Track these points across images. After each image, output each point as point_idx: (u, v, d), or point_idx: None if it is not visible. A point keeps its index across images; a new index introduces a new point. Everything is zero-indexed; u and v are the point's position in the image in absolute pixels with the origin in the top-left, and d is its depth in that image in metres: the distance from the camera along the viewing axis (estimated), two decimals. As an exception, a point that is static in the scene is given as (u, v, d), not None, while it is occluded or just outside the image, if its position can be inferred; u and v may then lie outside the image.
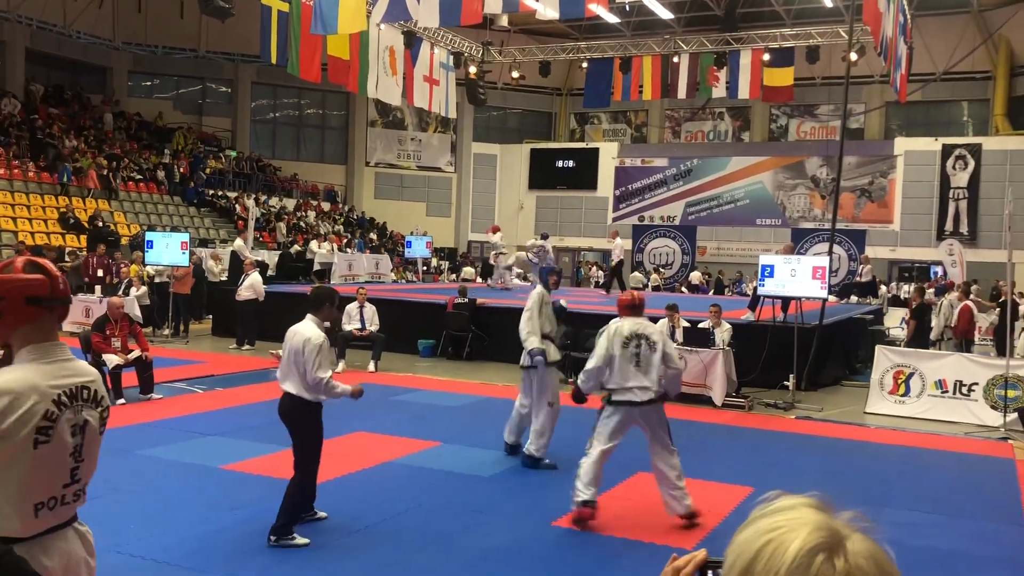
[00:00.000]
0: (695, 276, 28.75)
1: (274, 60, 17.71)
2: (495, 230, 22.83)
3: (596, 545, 6.15)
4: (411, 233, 28.42)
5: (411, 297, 18.06)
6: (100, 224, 22.30)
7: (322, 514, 6.33)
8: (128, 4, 30.75)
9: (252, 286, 16.02)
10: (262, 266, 18.50)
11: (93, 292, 16.89)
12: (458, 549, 5.95)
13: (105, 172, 25.10)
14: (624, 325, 6.63)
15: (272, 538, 5.81)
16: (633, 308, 6.80)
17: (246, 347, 15.70)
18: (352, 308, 14.34)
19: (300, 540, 5.85)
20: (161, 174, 27.57)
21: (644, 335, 6.58)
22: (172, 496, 6.91)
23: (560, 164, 35.60)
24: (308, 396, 5.94)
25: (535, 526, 6.50)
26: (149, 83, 32.89)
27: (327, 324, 6.25)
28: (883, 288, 23.88)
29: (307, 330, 6.01)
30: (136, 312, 15.31)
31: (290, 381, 5.99)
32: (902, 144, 31.05)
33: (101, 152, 26.35)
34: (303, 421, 6.01)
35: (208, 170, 29.31)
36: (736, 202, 33.32)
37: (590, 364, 6.63)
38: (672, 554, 1.16)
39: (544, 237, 21.11)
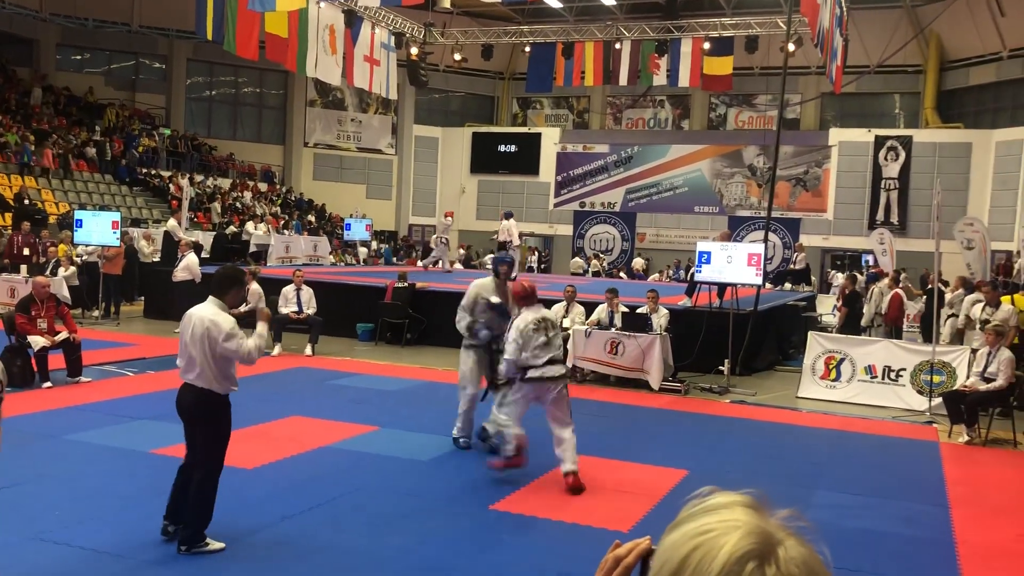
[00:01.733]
0: (637, 263, 29.03)
1: (210, 36, 17.29)
2: (450, 215, 22.71)
3: (534, 529, 6.17)
4: (351, 215, 28.11)
5: (350, 280, 17.87)
6: (26, 202, 21.58)
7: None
8: (57, -26, 29.71)
9: (188, 267, 15.66)
10: (197, 247, 18.10)
11: (19, 272, 16.33)
12: (396, 533, 5.91)
13: (42, 149, 24.27)
14: (527, 316, 7.17)
15: (183, 548, 5.29)
16: (527, 298, 7.34)
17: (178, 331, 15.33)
18: (289, 291, 14.13)
19: (215, 545, 5.37)
20: (91, 151, 26.76)
21: (547, 319, 7.27)
22: (100, 482, 6.73)
23: (502, 148, 35.54)
24: (218, 389, 5.46)
25: (474, 510, 6.50)
26: (79, 57, 31.83)
27: (242, 309, 5.83)
28: (813, 279, 24.39)
29: (212, 314, 5.43)
30: (64, 293, 14.86)
31: (195, 373, 5.41)
32: (836, 135, 31.71)
33: (28, 128, 25.47)
34: (213, 416, 5.50)
35: (141, 148, 28.55)
36: (675, 189, 33.67)
37: (509, 354, 7.12)
38: (615, 540, 1.13)
39: (508, 216, 20.92)
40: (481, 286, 8.45)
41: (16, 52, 29.77)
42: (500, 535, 6.08)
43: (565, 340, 7.57)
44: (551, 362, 7.07)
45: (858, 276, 19.80)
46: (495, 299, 8.20)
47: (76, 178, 25.44)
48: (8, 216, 20.92)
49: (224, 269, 5.97)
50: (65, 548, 5.31)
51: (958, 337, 13.33)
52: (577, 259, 29.38)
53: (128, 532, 5.65)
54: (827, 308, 20.94)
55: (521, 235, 22.25)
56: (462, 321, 8.40)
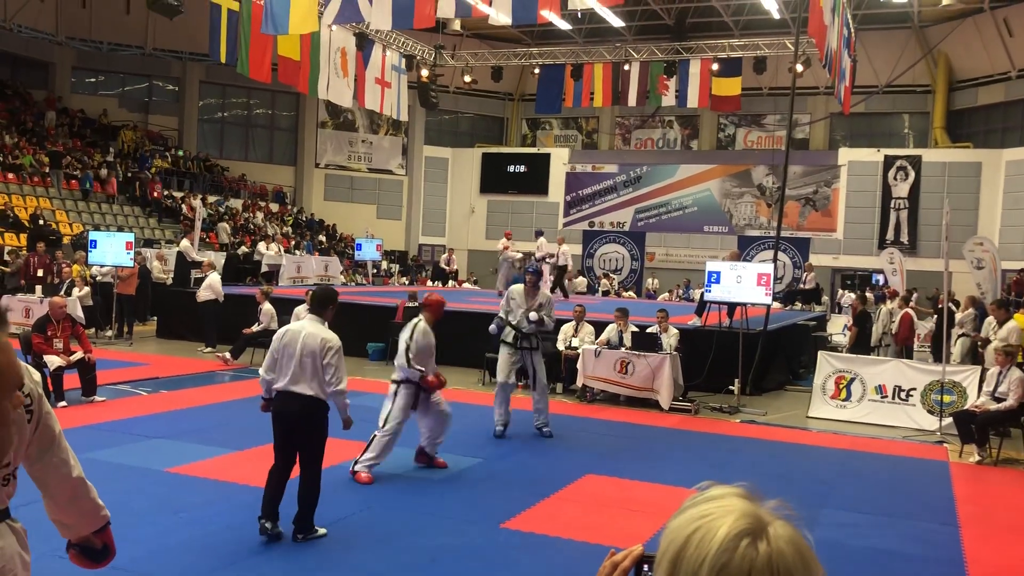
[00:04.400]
0: (652, 283, 29.18)
1: (223, 59, 17.51)
2: (508, 235, 21.89)
3: (546, 548, 6.20)
4: (362, 236, 28.28)
5: (361, 300, 17.96)
6: (41, 223, 21.81)
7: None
8: (72, -2, 30.15)
9: (211, 286, 15.80)
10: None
11: (34, 292, 16.49)
12: (407, 551, 5.95)
13: (46, 169, 24.56)
14: (422, 322, 8.11)
15: (299, 536, 5.93)
16: (428, 307, 8.35)
17: (208, 350, 15.41)
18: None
19: (321, 531, 6.05)
20: (104, 172, 27.04)
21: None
22: (115, 499, 6.75)
23: (511, 169, 35.72)
24: (322, 396, 6.00)
25: (484, 528, 6.53)
26: (93, 80, 32.22)
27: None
28: (825, 298, 24.39)
29: (323, 332, 6.03)
30: (79, 313, 15.00)
31: (305, 383, 5.94)
32: (845, 155, 31.77)
33: (43, 149, 25.77)
34: (320, 421, 6.04)
35: (154, 169, 28.82)
36: (684, 209, 33.76)
37: (412, 353, 7.91)
38: (611, 549, 1.22)
39: (540, 235, 20.82)
40: (514, 291, 9.95)
41: (32, 75, 30.18)
42: (510, 553, 6.11)
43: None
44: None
45: (868, 296, 19.79)
46: (532, 314, 9.62)
47: (90, 199, 25.69)
48: (23, 237, 21.14)
49: (321, 290, 6.62)
50: (81, 565, 5.37)
51: (970, 357, 13.31)
52: (581, 278, 29.37)
53: (144, 549, 5.71)
54: (838, 328, 20.93)
55: (530, 255, 22.07)
56: (493, 323, 10.02)
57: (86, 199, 25.57)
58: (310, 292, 7.14)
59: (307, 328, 6.08)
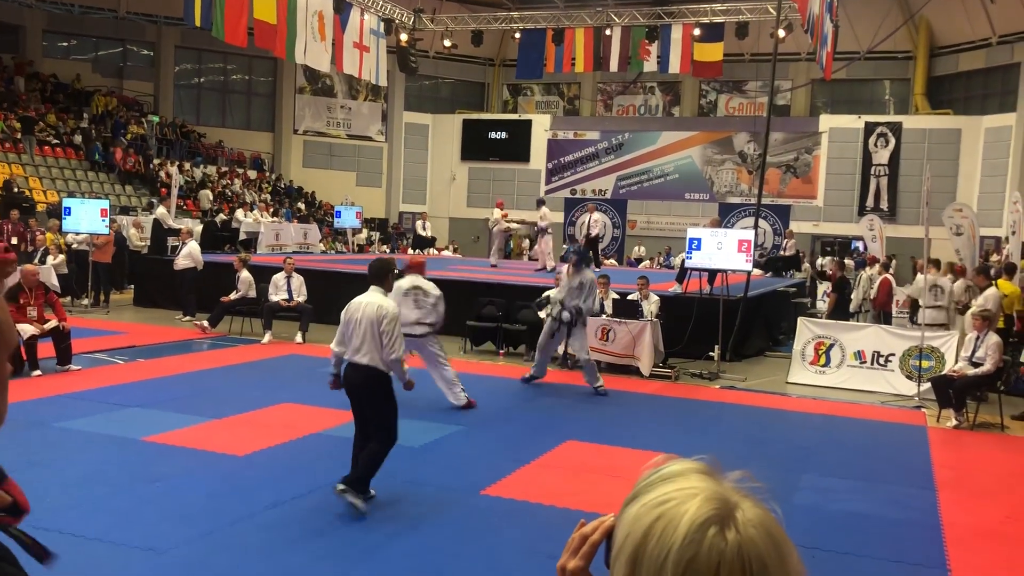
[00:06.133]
0: (637, 250, 29.21)
1: (198, 23, 17.19)
2: (500, 205, 21.17)
3: (524, 513, 6.20)
4: (341, 203, 28.04)
5: (340, 268, 17.83)
6: (15, 190, 21.46)
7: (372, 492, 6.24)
8: (42, -40, 29.41)
9: (190, 254, 15.61)
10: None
11: (7, 260, 16.23)
12: (387, 519, 5.93)
13: (17, 135, 24.12)
14: (404, 282, 9.14)
15: (340, 487, 5.87)
16: (412, 268, 9.48)
17: (186, 319, 15.25)
18: (279, 278, 14.10)
19: (371, 493, 6.09)
20: (79, 139, 26.60)
21: (419, 287, 9.33)
22: (91, 469, 6.73)
23: (493, 135, 35.46)
24: (380, 366, 6.08)
25: (464, 495, 6.52)
26: (66, 44, 31.56)
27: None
28: (806, 265, 24.46)
29: (382, 300, 6.21)
30: (53, 281, 14.81)
31: (365, 353, 6.07)
32: (826, 121, 31.75)
33: (14, 114, 25.29)
34: (380, 389, 6.13)
35: (130, 135, 28.38)
36: (666, 176, 33.69)
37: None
38: (580, 519, 1.15)
39: (541, 204, 20.21)
40: (563, 269, 11.26)
41: (2, 39, 29.51)
42: (491, 520, 6.11)
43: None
44: (417, 323, 9.14)
45: (846, 262, 19.88)
46: (565, 314, 10.74)
47: (63, 166, 25.29)
48: (-5, 204, 20.79)
49: (378, 261, 6.70)
50: (56, 535, 5.30)
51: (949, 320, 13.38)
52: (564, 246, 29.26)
53: (119, 518, 5.66)
54: (816, 294, 21.04)
55: (514, 222, 21.66)
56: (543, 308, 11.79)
57: (96, 170, 25.51)
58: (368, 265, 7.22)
59: (367, 299, 6.26)
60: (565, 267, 11.28)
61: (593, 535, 1.10)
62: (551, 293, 11.54)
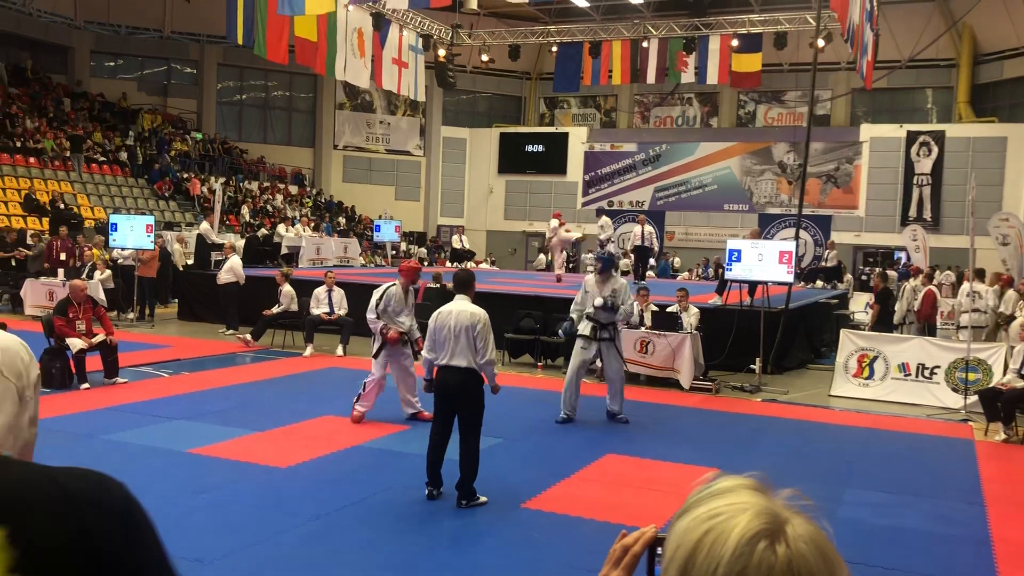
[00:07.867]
0: (676, 262, 29.07)
1: (240, 41, 17.47)
2: (558, 216, 20.63)
3: (567, 527, 6.19)
4: (380, 217, 28.26)
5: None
6: (62, 206, 21.95)
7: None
8: (90, -18, 30.15)
9: (232, 269, 15.84)
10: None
11: (56, 275, 16.62)
12: (427, 532, 5.96)
13: (67, 154, 24.69)
14: (396, 288, 9.28)
15: (463, 502, 6.39)
16: (407, 272, 9.54)
17: (229, 332, 15.46)
18: (320, 292, 14.25)
19: (482, 499, 6.46)
20: (124, 156, 27.14)
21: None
22: (137, 480, 6.77)
23: (529, 148, 35.55)
24: (476, 368, 6.52)
25: (505, 508, 6.52)
26: (112, 63, 32.29)
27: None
28: (848, 276, 24.16)
29: (472, 308, 6.64)
30: (100, 295, 15.09)
31: (461, 357, 6.49)
32: (867, 131, 31.37)
33: (63, 132, 25.90)
34: (476, 391, 6.54)
35: (174, 152, 28.91)
36: (704, 187, 33.50)
37: (371, 316, 9.24)
38: (622, 530, 1.15)
39: (600, 214, 19.97)
40: (587, 282, 9.91)
41: (52, 60, 30.28)
42: (531, 533, 6.10)
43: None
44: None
45: (889, 274, 19.60)
46: (598, 299, 9.59)
47: (110, 183, 25.82)
48: (45, 221, 21.28)
49: (461, 273, 7.25)
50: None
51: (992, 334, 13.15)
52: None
53: (165, 529, 5.70)
54: (859, 305, 20.75)
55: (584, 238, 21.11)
56: (560, 328, 10.74)
57: (140, 187, 26.07)
58: (453, 276, 7.70)
59: (458, 306, 6.70)
60: (587, 277, 10.19)
61: (635, 546, 1.11)
62: (573, 309, 10.05)
